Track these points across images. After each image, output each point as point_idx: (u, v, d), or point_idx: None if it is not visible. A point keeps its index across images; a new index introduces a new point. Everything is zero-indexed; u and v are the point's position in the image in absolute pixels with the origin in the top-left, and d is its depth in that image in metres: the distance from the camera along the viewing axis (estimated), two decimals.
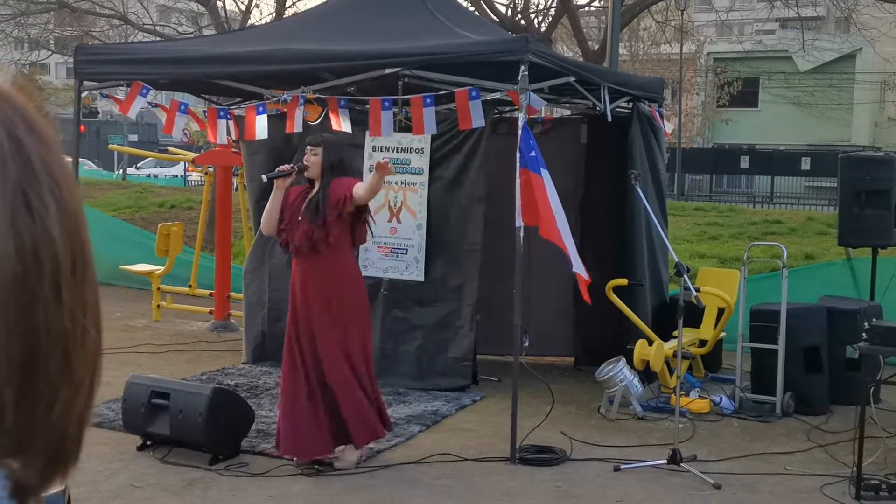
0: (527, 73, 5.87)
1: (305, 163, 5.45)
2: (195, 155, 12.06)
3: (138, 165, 32.89)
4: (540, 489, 5.32)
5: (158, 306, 10.10)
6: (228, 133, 7.22)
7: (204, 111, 7.63)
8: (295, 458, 5.45)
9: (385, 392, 6.92)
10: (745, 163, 31.38)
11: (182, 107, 7.18)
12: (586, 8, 19.29)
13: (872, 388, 5.89)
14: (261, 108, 6.67)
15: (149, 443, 5.72)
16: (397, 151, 7.59)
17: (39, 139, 0.57)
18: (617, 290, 7.21)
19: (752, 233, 15.25)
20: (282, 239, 5.54)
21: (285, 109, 6.61)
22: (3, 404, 0.54)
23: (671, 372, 6.89)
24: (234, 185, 10.50)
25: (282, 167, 5.54)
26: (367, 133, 6.87)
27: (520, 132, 5.79)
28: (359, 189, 5.32)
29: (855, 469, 5.26)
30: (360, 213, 5.47)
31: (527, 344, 7.01)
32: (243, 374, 7.74)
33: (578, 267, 5.69)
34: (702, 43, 34.67)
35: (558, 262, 5.81)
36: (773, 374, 6.86)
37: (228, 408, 5.59)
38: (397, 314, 7.51)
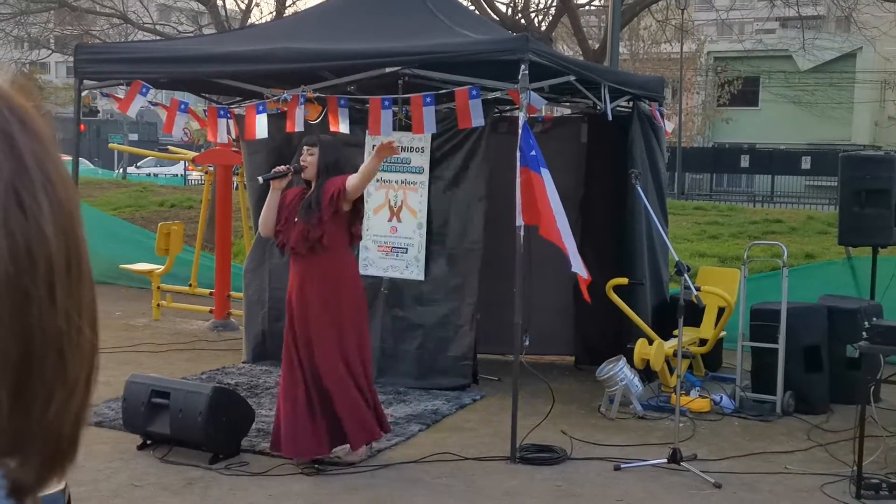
0: (527, 72, 5.87)
1: (302, 163, 5.43)
2: (195, 154, 12.06)
3: (138, 164, 32.90)
4: (540, 488, 5.32)
5: (158, 305, 10.10)
6: (228, 131, 7.22)
7: (204, 110, 7.63)
8: (294, 458, 5.45)
9: (385, 391, 6.93)
10: (745, 162, 31.38)
11: (182, 106, 7.18)
12: (586, 7, 19.28)
13: (873, 387, 5.88)
14: (261, 108, 6.67)
15: (149, 442, 5.72)
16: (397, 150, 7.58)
17: (34, 137, 0.56)
18: (617, 289, 7.21)
19: (753, 232, 15.25)
20: (279, 240, 5.53)
21: (285, 108, 6.61)
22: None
23: (671, 371, 6.89)
24: (235, 185, 10.50)
25: (278, 168, 5.53)
26: (367, 132, 6.87)
27: (520, 131, 5.79)
28: (352, 179, 5.28)
29: (855, 468, 5.25)
30: (357, 211, 5.45)
31: (527, 343, 7.01)
32: (243, 373, 7.74)
33: (577, 267, 5.68)
34: (702, 42, 34.66)
35: (559, 261, 5.80)
36: (773, 374, 6.86)
37: (228, 407, 5.59)
38: (397, 313, 7.51)
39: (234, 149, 8.87)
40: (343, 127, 6.45)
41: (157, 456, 5.59)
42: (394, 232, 7.60)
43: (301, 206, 5.36)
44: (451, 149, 7.45)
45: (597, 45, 14.90)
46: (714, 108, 35.71)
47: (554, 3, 16.35)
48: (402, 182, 7.59)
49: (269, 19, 17.16)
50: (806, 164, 30.11)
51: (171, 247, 9.96)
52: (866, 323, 5.66)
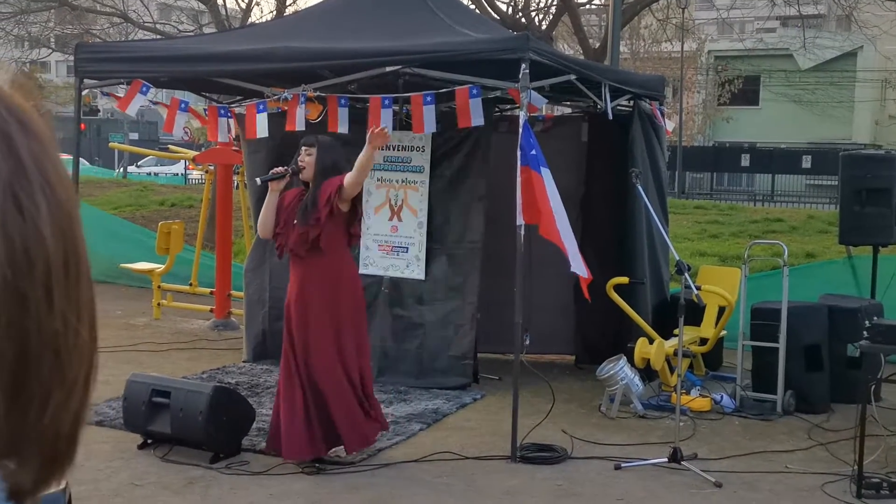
0: (528, 71, 5.87)
1: (300, 163, 5.41)
2: (196, 153, 12.06)
3: (139, 164, 32.89)
4: (541, 487, 5.32)
5: (159, 305, 10.10)
6: (228, 130, 7.21)
7: (204, 109, 7.63)
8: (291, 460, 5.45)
9: (386, 390, 6.93)
10: (745, 161, 31.38)
11: (182, 105, 7.18)
12: (587, 6, 19.28)
13: (873, 387, 5.88)
14: (261, 107, 6.67)
15: (149, 441, 5.72)
16: (398, 150, 7.59)
17: (32, 137, 0.56)
18: (618, 288, 7.21)
19: (753, 231, 15.24)
20: (278, 243, 5.52)
21: (286, 108, 6.60)
22: None
23: (672, 370, 6.88)
24: (235, 184, 10.50)
25: (276, 169, 5.51)
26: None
27: (521, 130, 5.78)
28: (349, 176, 5.24)
29: (856, 467, 5.25)
30: (355, 211, 5.44)
31: (527, 342, 7.01)
32: (244, 372, 7.74)
33: (577, 267, 5.68)
34: (703, 41, 34.65)
35: (559, 260, 5.80)
36: (773, 373, 6.85)
37: (229, 406, 5.59)
38: (398, 312, 7.51)
39: (234, 148, 8.86)
40: (342, 127, 6.44)
41: (158, 455, 5.59)
42: (394, 231, 7.60)
43: (299, 208, 5.35)
44: (452, 148, 7.45)
45: (597, 44, 14.90)
46: (715, 107, 35.71)
47: (554, 2, 16.35)
48: (403, 181, 7.59)
49: (269, 18, 17.15)
50: (806, 163, 30.11)
51: (171, 246, 9.96)
52: (867, 322, 5.66)
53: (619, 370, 6.66)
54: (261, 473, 5.35)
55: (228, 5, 17.09)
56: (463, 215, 7.38)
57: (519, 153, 5.74)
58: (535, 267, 7.22)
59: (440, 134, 7.24)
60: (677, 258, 5.97)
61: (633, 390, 6.71)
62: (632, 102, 7.80)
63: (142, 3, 18.02)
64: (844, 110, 35.85)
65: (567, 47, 22.67)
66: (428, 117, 6.12)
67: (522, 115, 5.89)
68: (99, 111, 36.11)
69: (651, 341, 6.96)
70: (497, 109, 8.39)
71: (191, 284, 10.09)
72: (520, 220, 5.74)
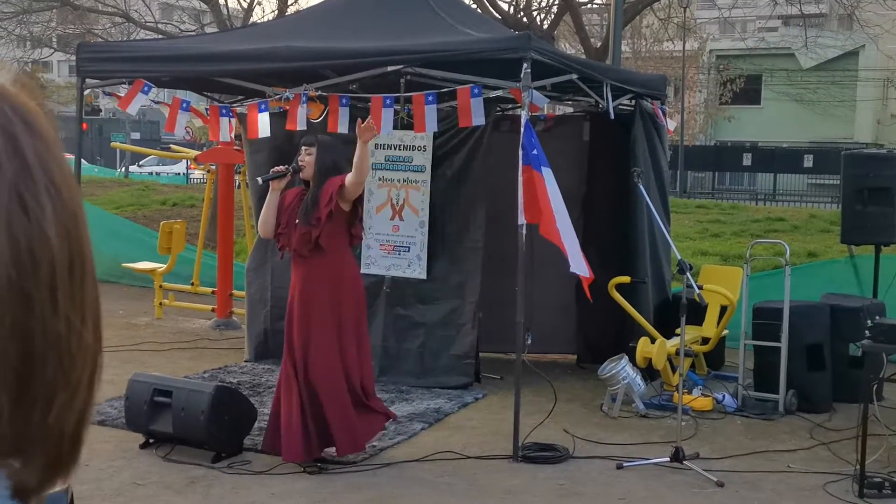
0: (529, 70, 5.87)
1: (300, 163, 5.41)
2: (197, 153, 12.06)
3: (141, 163, 32.91)
4: (543, 487, 5.32)
5: (161, 304, 10.10)
6: (230, 129, 7.22)
7: (206, 109, 7.64)
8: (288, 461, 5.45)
9: (387, 390, 6.93)
10: (747, 160, 31.37)
11: (184, 104, 7.18)
12: (588, 5, 19.27)
13: (875, 386, 5.88)
14: (263, 106, 6.67)
15: (151, 441, 5.72)
16: (400, 149, 7.59)
17: (38, 137, 0.56)
18: (619, 287, 7.21)
19: (755, 230, 15.23)
20: (280, 243, 5.51)
21: (287, 107, 6.60)
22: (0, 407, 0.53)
23: (674, 370, 6.88)
24: (237, 183, 10.50)
25: (276, 168, 5.50)
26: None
27: (522, 129, 5.78)
28: (349, 176, 5.24)
29: (858, 467, 5.25)
30: (356, 210, 5.44)
31: (529, 341, 7.01)
32: (245, 371, 7.74)
33: (577, 267, 5.67)
34: (704, 40, 34.63)
35: (560, 259, 5.80)
36: (775, 372, 6.85)
37: (231, 406, 5.59)
38: (399, 312, 7.51)
39: (235, 147, 8.87)
40: (343, 127, 6.45)
41: (160, 455, 5.59)
42: (396, 230, 7.60)
43: (300, 208, 5.35)
44: (453, 147, 7.45)
45: (599, 44, 14.89)
46: (716, 106, 35.70)
47: (556, 2, 16.35)
48: (405, 181, 7.59)
49: (271, 18, 17.16)
50: (808, 162, 30.09)
51: (173, 245, 9.96)
52: (869, 321, 5.66)
53: (621, 369, 6.66)
54: (262, 473, 5.35)
55: (230, 5, 17.09)
56: (464, 215, 7.38)
57: (520, 152, 5.74)
58: (536, 266, 7.22)
59: (442, 133, 7.25)
60: (679, 257, 5.97)
61: (635, 390, 6.70)
62: (633, 102, 7.79)
63: (143, 3, 18.03)
64: (846, 109, 35.84)
65: (568, 46, 22.67)
66: (429, 117, 6.12)
67: (524, 115, 5.89)
68: (101, 111, 36.17)
69: (653, 340, 6.96)
70: (499, 109, 8.39)
71: (192, 284, 10.10)
72: (521, 220, 5.74)
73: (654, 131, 7.93)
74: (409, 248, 7.55)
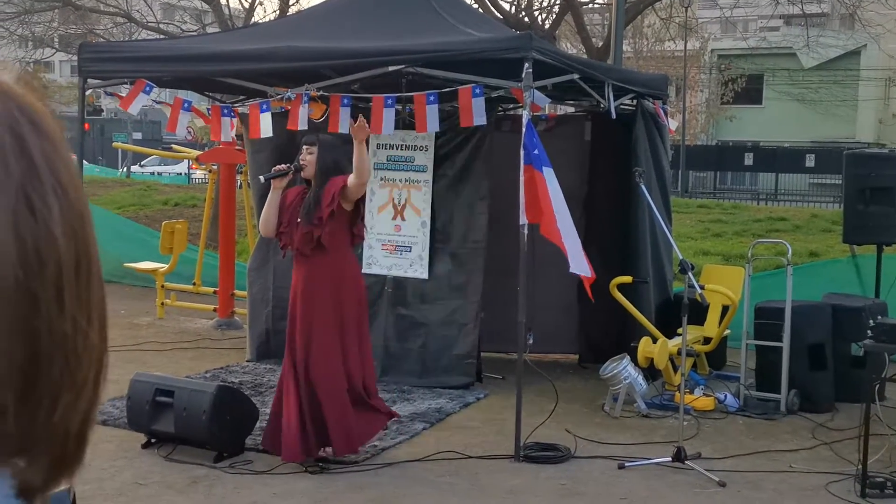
0: (531, 70, 5.86)
1: (301, 162, 5.41)
2: (199, 153, 12.06)
3: (142, 163, 32.92)
4: (544, 487, 5.32)
5: (162, 304, 10.11)
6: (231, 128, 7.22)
7: (208, 109, 7.64)
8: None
9: (389, 390, 6.93)
10: (749, 160, 31.34)
11: (186, 104, 7.18)
12: (590, 5, 19.27)
13: (878, 386, 5.88)
14: (264, 106, 6.67)
15: (153, 440, 5.72)
16: (402, 149, 7.59)
17: (44, 138, 0.56)
18: (621, 287, 7.21)
19: (757, 230, 15.22)
20: (282, 242, 5.52)
21: (289, 107, 6.61)
22: (5, 407, 0.54)
23: (675, 369, 6.88)
24: (238, 183, 10.50)
25: (278, 167, 5.51)
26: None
27: (524, 129, 5.78)
28: (351, 177, 5.25)
29: (860, 466, 5.25)
30: (358, 209, 5.44)
31: (531, 341, 7.00)
32: (247, 371, 7.75)
33: (577, 267, 5.67)
34: (706, 40, 34.61)
35: (562, 259, 5.80)
36: (777, 372, 6.85)
37: (233, 405, 5.59)
38: (401, 312, 7.52)
39: (237, 147, 8.87)
40: (344, 127, 6.44)
41: (162, 454, 5.59)
42: (397, 230, 7.60)
43: (302, 208, 5.35)
44: (455, 147, 7.45)
45: (600, 43, 14.89)
46: (718, 105, 35.66)
47: (557, 1, 16.35)
48: (406, 181, 7.59)
49: (272, 18, 17.17)
50: (810, 161, 30.06)
51: (175, 245, 9.97)
52: (871, 321, 5.66)
53: (623, 369, 6.66)
54: (264, 472, 5.35)
55: (232, 5, 17.11)
56: (466, 214, 7.38)
57: (522, 152, 5.74)
58: (538, 266, 7.22)
59: (443, 133, 7.25)
60: (681, 257, 5.97)
61: (637, 389, 6.70)
62: (635, 101, 7.79)
63: (145, 3, 18.05)
64: (848, 109, 35.81)
65: (570, 46, 22.66)
66: (431, 117, 6.12)
67: (525, 115, 5.89)
68: (102, 111, 36.18)
69: (654, 340, 6.96)
70: (500, 109, 8.39)
71: (194, 284, 10.10)
72: (523, 220, 5.74)
73: (655, 131, 7.93)
74: (410, 248, 7.55)
